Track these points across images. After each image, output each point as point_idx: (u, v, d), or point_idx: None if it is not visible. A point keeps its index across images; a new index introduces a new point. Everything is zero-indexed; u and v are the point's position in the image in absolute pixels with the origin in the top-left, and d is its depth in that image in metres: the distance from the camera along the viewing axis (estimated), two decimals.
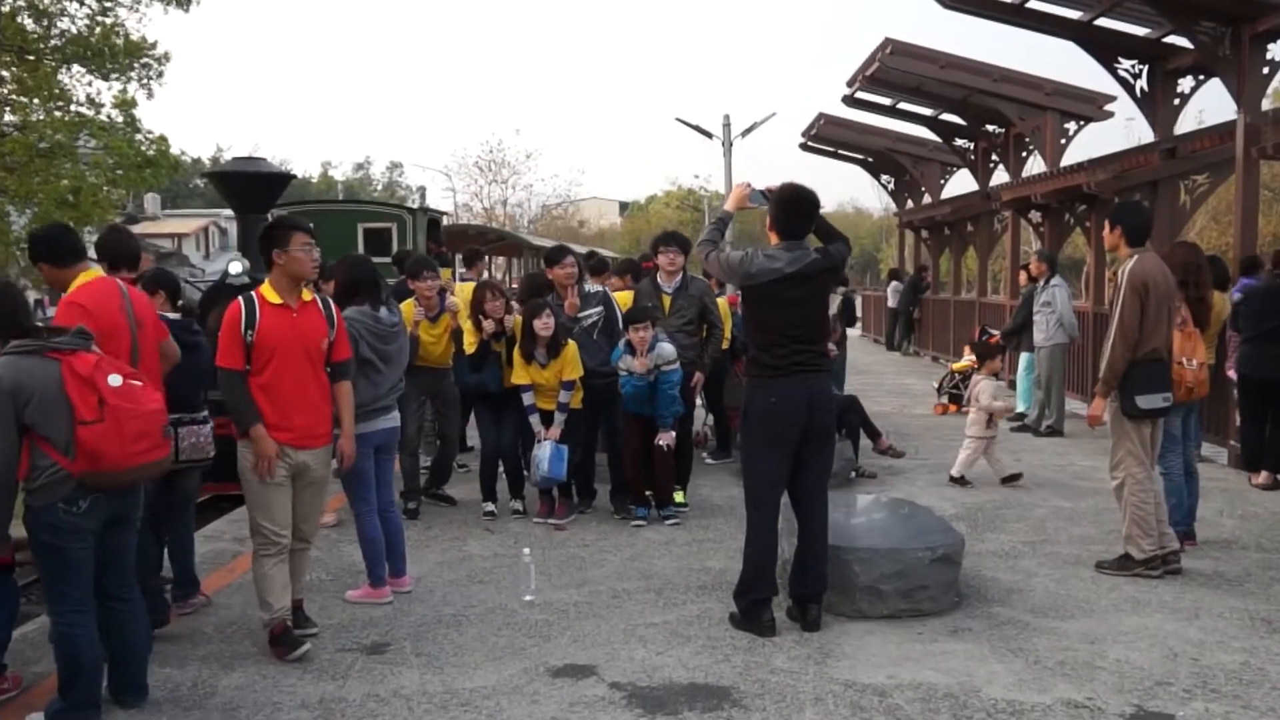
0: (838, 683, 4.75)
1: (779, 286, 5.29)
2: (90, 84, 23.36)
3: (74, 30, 22.09)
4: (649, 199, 79.61)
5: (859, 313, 15.26)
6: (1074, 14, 12.59)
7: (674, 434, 7.65)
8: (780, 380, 5.31)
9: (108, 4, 22.13)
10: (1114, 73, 12.74)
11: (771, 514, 5.47)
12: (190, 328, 5.76)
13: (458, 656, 5.11)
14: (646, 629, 5.47)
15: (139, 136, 23.33)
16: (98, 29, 22.15)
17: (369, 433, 5.74)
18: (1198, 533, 7.00)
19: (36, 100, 21.89)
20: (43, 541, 4.14)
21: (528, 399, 7.58)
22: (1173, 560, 6.30)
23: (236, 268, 10.07)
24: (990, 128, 18.32)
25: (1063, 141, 15.81)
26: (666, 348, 7.54)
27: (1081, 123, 16.04)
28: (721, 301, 8.81)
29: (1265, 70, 10.17)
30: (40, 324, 4.32)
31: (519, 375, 7.56)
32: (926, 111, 19.35)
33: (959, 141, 19.80)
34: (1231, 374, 9.06)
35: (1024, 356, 12.36)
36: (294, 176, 12.35)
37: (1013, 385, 14.03)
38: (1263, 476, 8.79)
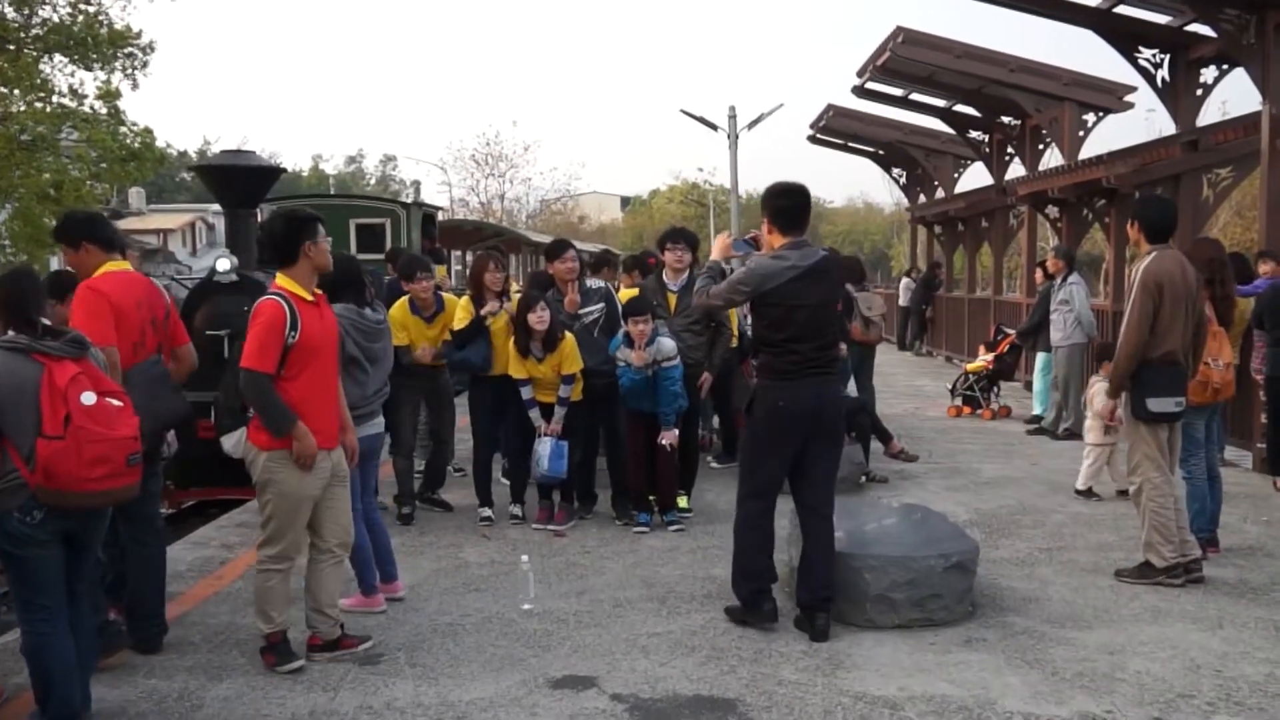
0: (847, 695, 4.76)
1: (797, 286, 5.35)
2: (73, 74, 23.41)
3: (56, 19, 22.12)
4: (652, 194, 79.60)
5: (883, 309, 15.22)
6: (1093, 1, 12.59)
7: (676, 432, 7.64)
8: (791, 383, 5.39)
9: None
10: (1134, 62, 12.74)
11: (768, 508, 5.57)
12: None
13: (453, 667, 5.12)
14: (649, 639, 5.48)
15: (123, 129, 23.36)
16: (80, 17, 22.19)
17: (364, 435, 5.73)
18: (1221, 539, 6.99)
19: (17, 91, 21.93)
20: (3, 550, 4.14)
21: (526, 393, 7.59)
22: (1195, 568, 6.30)
23: (224, 265, 10.08)
24: (1006, 119, 18.31)
25: (1081, 134, 15.82)
26: (667, 343, 7.53)
27: (1100, 114, 16.04)
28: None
29: None
30: (45, 321, 4.29)
31: (515, 369, 7.56)
32: (939, 102, 19.35)
33: (973, 134, 19.80)
34: (1257, 375, 9.05)
35: (1040, 357, 12.36)
36: (284, 170, 12.34)
37: (1028, 386, 14.05)
38: None
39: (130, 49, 23.44)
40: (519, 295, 7.84)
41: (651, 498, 7.83)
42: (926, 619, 5.60)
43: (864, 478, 9.18)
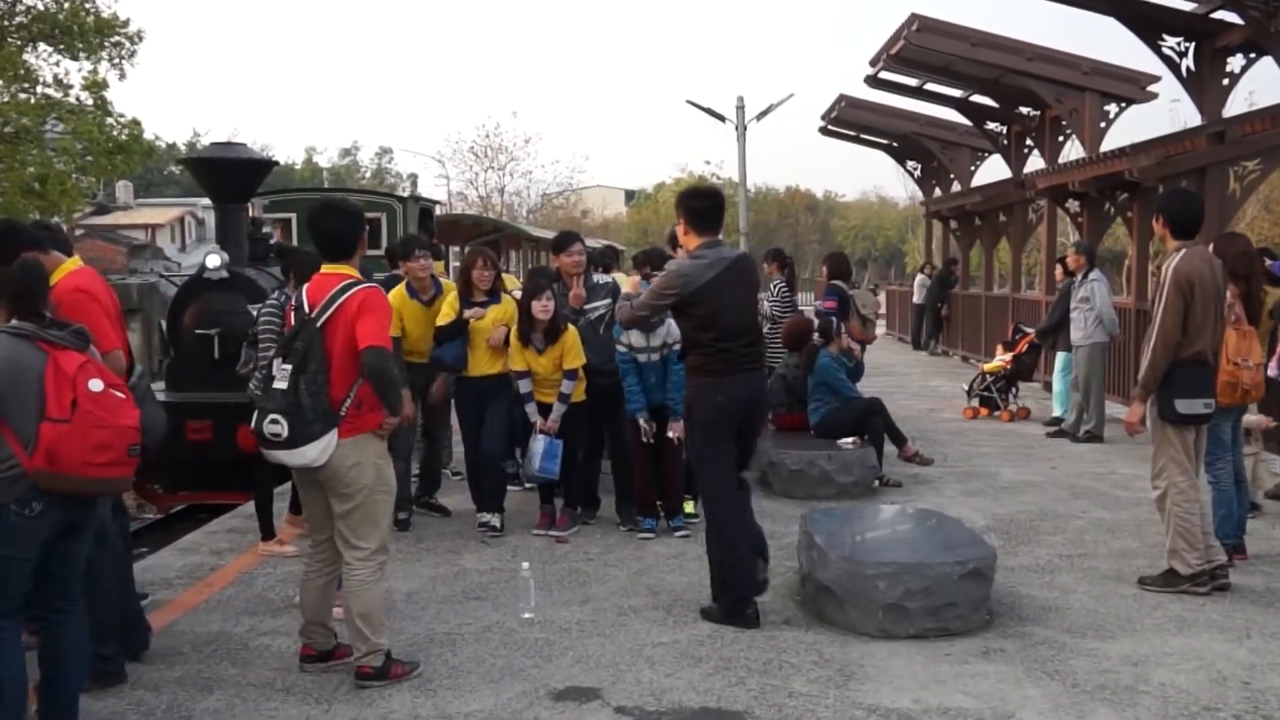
0: (860, 707, 4.75)
1: (720, 283, 5.73)
2: (58, 64, 23.51)
3: (40, 6, 22.18)
4: (657, 187, 79.60)
5: (881, 310, 15.24)
6: None
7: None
8: (729, 379, 5.77)
9: None
10: (1158, 51, 12.72)
11: (738, 506, 5.88)
12: None
13: (452, 678, 5.12)
14: (654, 649, 5.48)
15: (110, 120, 23.43)
16: (66, 5, 22.24)
17: None
18: (1248, 546, 6.98)
19: (0, 82, 21.95)
20: None
21: (524, 385, 7.57)
22: (1220, 575, 6.29)
23: (214, 261, 10.10)
24: (1024, 110, 18.29)
25: (1102, 125, 15.80)
26: (676, 325, 7.55)
27: (1123, 105, 16.02)
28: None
29: None
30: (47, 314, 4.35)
31: (515, 360, 7.55)
32: (956, 93, 19.34)
33: (991, 125, 19.78)
34: (1274, 373, 9.02)
35: (1060, 356, 12.34)
36: (276, 163, 12.38)
37: (1048, 387, 14.04)
38: None
39: (117, 38, 23.52)
40: (520, 290, 7.84)
41: (659, 502, 7.83)
42: (942, 629, 5.59)
43: (877, 482, 9.18)
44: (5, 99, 22.33)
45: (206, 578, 6.87)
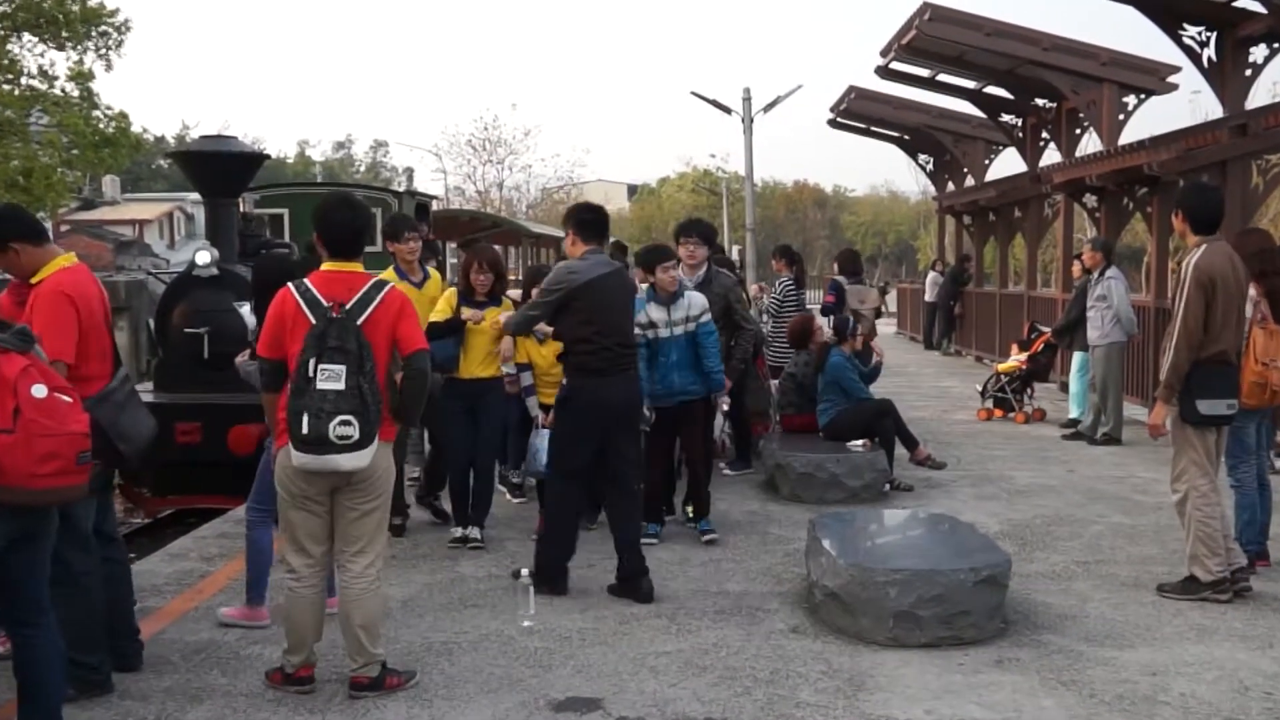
0: (870, 718, 4.76)
1: (601, 285, 6.38)
2: (43, 54, 23.55)
3: None
4: (661, 181, 79.66)
5: (881, 305, 15.17)
6: None
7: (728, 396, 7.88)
8: (604, 379, 6.38)
9: None
10: (1178, 40, 12.70)
11: (579, 488, 6.60)
12: None
13: (449, 688, 5.13)
14: (657, 658, 5.48)
15: (96, 113, 23.45)
16: None
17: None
18: (1271, 552, 6.98)
19: None
20: None
21: (526, 379, 7.55)
22: (1241, 579, 6.29)
23: (204, 258, 10.11)
24: (1040, 102, 18.27)
25: (1121, 117, 15.77)
26: (697, 296, 7.60)
27: (1142, 96, 15.99)
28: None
29: None
30: None
31: (518, 353, 7.52)
32: (969, 84, 19.32)
33: (1005, 117, 19.76)
34: None
35: (1077, 356, 12.33)
36: (267, 157, 12.38)
37: (1064, 388, 14.03)
38: None
39: (104, 27, 23.55)
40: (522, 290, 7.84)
41: (687, 506, 7.92)
42: (955, 637, 5.59)
43: (889, 486, 9.18)
44: None
45: (196, 585, 6.87)
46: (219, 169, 10.41)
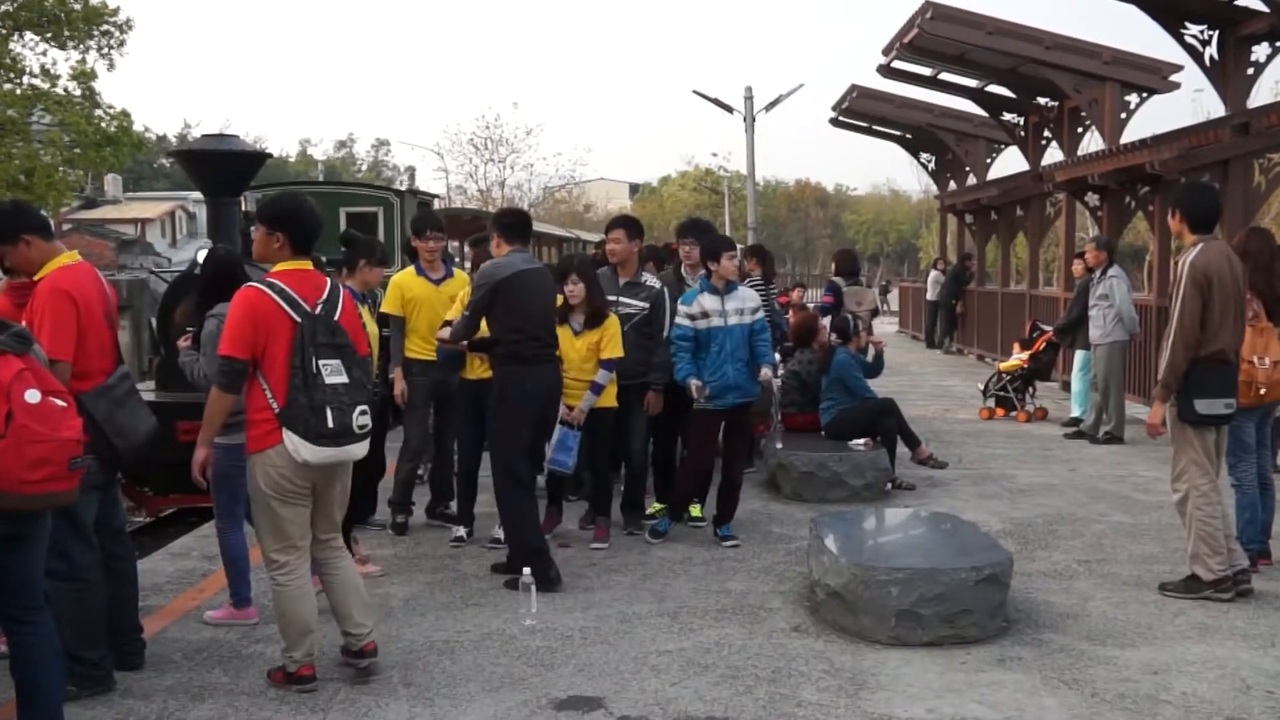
0: (872, 717, 4.76)
1: (525, 279, 6.69)
2: (45, 53, 23.55)
3: None
4: (662, 180, 79.72)
5: (879, 305, 15.12)
6: None
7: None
8: (534, 368, 6.68)
9: None
10: (1180, 39, 12.69)
11: (521, 480, 6.70)
12: None
13: (450, 687, 5.13)
14: (659, 657, 5.48)
15: (98, 112, 23.47)
16: None
17: (240, 444, 5.37)
18: (1272, 551, 6.98)
19: None
20: None
21: None
22: (1243, 579, 6.29)
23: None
24: (1042, 101, 18.26)
25: (1123, 116, 15.77)
26: (750, 291, 7.70)
27: (1144, 95, 15.99)
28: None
29: None
30: None
31: None
32: (971, 83, 19.32)
33: (1007, 116, 19.76)
34: None
35: (1079, 355, 12.34)
36: (269, 156, 12.37)
37: (1066, 387, 14.03)
38: None
39: (106, 26, 23.55)
40: None
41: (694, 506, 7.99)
42: (957, 636, 5.59)
43: (890, 485, 9.18)
44: None
45: (198, 583, 6.88)
46: (221, 168, 10.39)
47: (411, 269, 7.95)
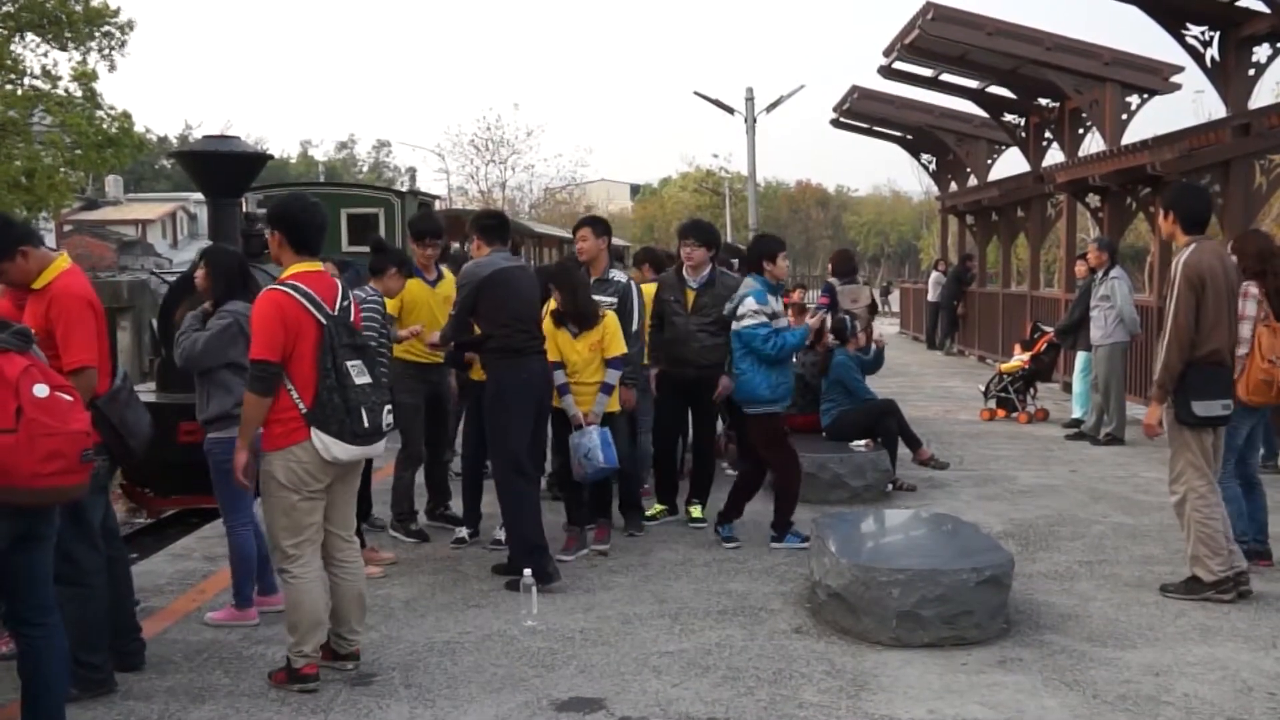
0: (873, 718, 4.76)
1: (508, 275, 6.79)
2: (46, 54, 23.55)
3: None
4: (663, 181, 79.69)
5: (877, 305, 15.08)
6: None
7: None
8: (527, 359, 6.72)
9: None
10: (1181, 40, 12.70)
11: (527, 477, 6.72)
12: None
13: (451, 688, 5.13)
14: (660, 658, 5.48)
15: (99, 113, 23.46)
16: None
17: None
18: (1273, 552, 6.97)
19: None
20: None
21: (559, 377, 7.13)
22: (1243, 580, 6.29)
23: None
24: (1043, 102, 18.26)
25: (1124, 117, 15.77)
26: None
27: (1145, 96, 15.99)
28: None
29: None
30: None
31: (550, 349, 7.35)
32: (972, 84, 19.32)
33: (1008, 117, 19.76)
34: None
35: (1080, 356, 12.33)
36: (270, 157, 12.39)
37: (1067, 388, 14.03)
38: None
39: (107, 27, 23.55)
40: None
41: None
42: (958, 637, 5.59)
43: (891, 486, 9.18)
44: None
45: (199, 584, 6.89)
46: (222, 169, 10.41)
47: (419, 281, 7.88)
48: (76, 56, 23.62)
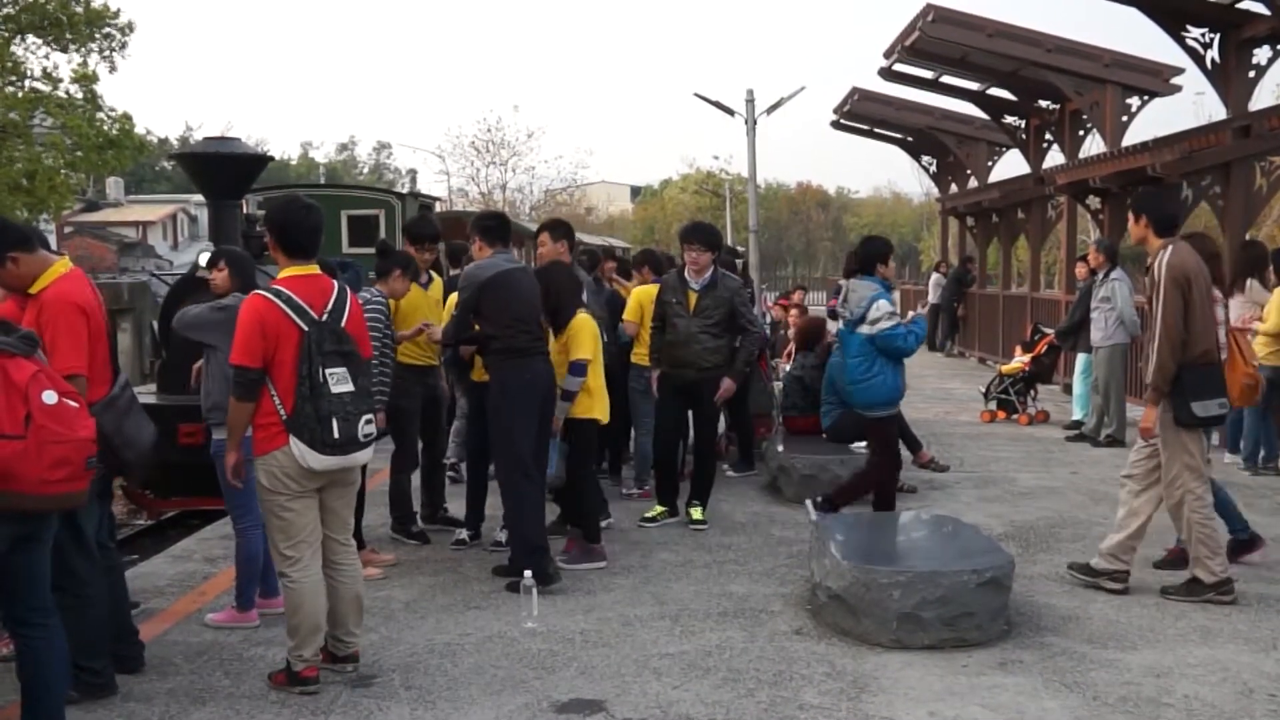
0: None
1: (510, 276, 6.82)
2: (47, 56, 23.55)
3: None
4: (664, 183, 79.57)
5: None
6: None
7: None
8: (531, 359, 6.73)
9: None
10: (1181, 42, 12.70)
11: (534, 479, 6.70)
12: None
13: (452, 690, 5.13)
14: (661, 660, 5.48)
15: (100, 114, 23.45)
16: None
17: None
18: (1272, 553, 6.97)
19: None
20: None
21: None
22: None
23: (208, 259, 10.11)
24: (1043, 103, 18.26)
25: (1124, 119, 15.77)
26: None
27: (1145, 98, 15.99)
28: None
29: None
30: None
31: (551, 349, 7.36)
32: (973, 86, 19.32)
33: (1008, 119, 19.76)
34: None
35: (1081, 358, 12.33)
36: (271, 158, 12.39)
37: (1067, 390, 14.02)
38: None
39: (108, 29, 23.56)
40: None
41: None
42: (958, 639, 5.59)
43: None
44: None
45: (199, 586, 6.88)
46: (222, 170, 10.41)
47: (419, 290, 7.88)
48: (77, 58, 23.65)
